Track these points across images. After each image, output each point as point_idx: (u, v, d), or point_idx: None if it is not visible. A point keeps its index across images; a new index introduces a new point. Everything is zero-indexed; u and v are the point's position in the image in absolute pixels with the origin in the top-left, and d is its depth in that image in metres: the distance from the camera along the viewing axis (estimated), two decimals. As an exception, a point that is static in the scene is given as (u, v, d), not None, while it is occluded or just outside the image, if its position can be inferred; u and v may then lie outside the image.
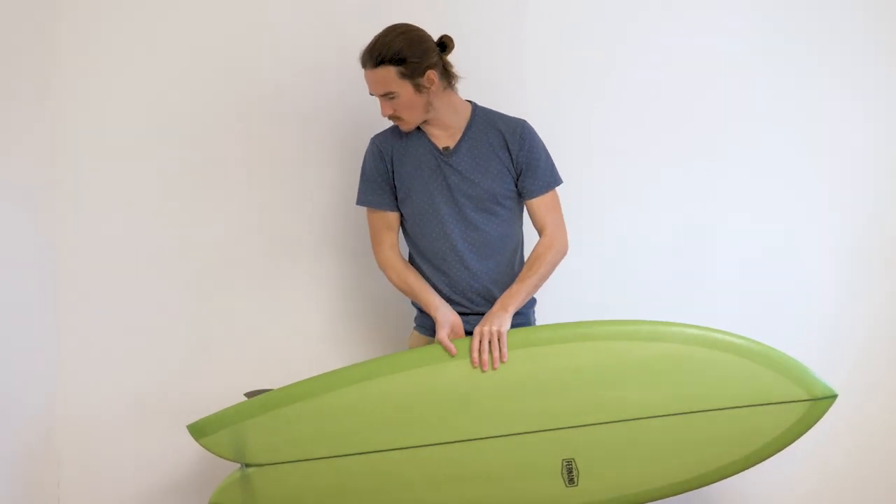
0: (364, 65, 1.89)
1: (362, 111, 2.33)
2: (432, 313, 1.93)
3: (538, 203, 1.98)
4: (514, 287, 1.93)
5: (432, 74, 1.88)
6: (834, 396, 1.87)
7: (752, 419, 1.87)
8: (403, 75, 1.86)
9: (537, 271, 1.94)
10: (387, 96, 1.88)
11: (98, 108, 2.35)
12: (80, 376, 2.37)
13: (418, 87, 1.88)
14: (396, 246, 2.03)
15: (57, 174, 2.34)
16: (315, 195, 2.40)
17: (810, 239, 2.49)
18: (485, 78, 2.25)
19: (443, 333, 1.88)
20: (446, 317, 1.92)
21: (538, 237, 2.01)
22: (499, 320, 1.87)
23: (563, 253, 1.99)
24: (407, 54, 1.86)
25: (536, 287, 1.96)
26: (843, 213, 2.49)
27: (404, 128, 1.95)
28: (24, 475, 2.26)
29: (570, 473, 1.87)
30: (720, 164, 2.47)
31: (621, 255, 2.46)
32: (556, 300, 2.22)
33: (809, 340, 2.43)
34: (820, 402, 1.87)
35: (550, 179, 1.99)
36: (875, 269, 2.50)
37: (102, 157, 2.35)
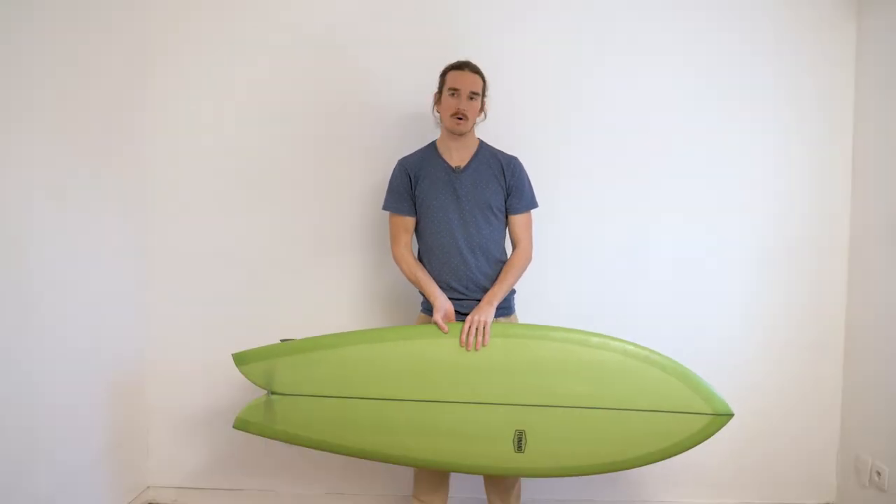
0: (461, 67, 2.43)
1: (383, 142, 2.91)
2: (432, 301, 2.42)
3: (519, 219, 2.51)
4: (496, 287, 2.43)
5: (486, 104, 2.48)
6: (731, 415, 2.26)
7: (665, 422, 2.24)
8: (482, 89, 2.45)
9: (514, 275, 2.46)
10: (471, 95, 2.41)
11: (177, 130, 2.94)
12: (165, 342, 2.97)
13: (481, 105, 2.46)
14: (410, 245, 2.52)
15: (146, 186, 2.96)
16: (347, 205, 2.96)
17: (729, 242, 2.99)
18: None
19: (437, 316, 2.36)
20: (443, 304, 2.40)
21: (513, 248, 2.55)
22: (485, 313, 2.35)
23: (530, 262, 2.51)
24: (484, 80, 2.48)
25: (511, 286, 2.47)
26: (753, 217, 2.98)
27: (462, 128, 2.43)
28: (118, 414, 2.81)
29: (519, 442, 2.25)
30: (659, 184, 2.97)
31: (586, 259, 2.98)
32: (535, 294, 2.77)
33: (726, 320, 2.98)
34: (719, 417, 2.26)
35: (530, 203, 2.53)
36: (779, 264, 3.00)
37: (181, 171, 2.97)
